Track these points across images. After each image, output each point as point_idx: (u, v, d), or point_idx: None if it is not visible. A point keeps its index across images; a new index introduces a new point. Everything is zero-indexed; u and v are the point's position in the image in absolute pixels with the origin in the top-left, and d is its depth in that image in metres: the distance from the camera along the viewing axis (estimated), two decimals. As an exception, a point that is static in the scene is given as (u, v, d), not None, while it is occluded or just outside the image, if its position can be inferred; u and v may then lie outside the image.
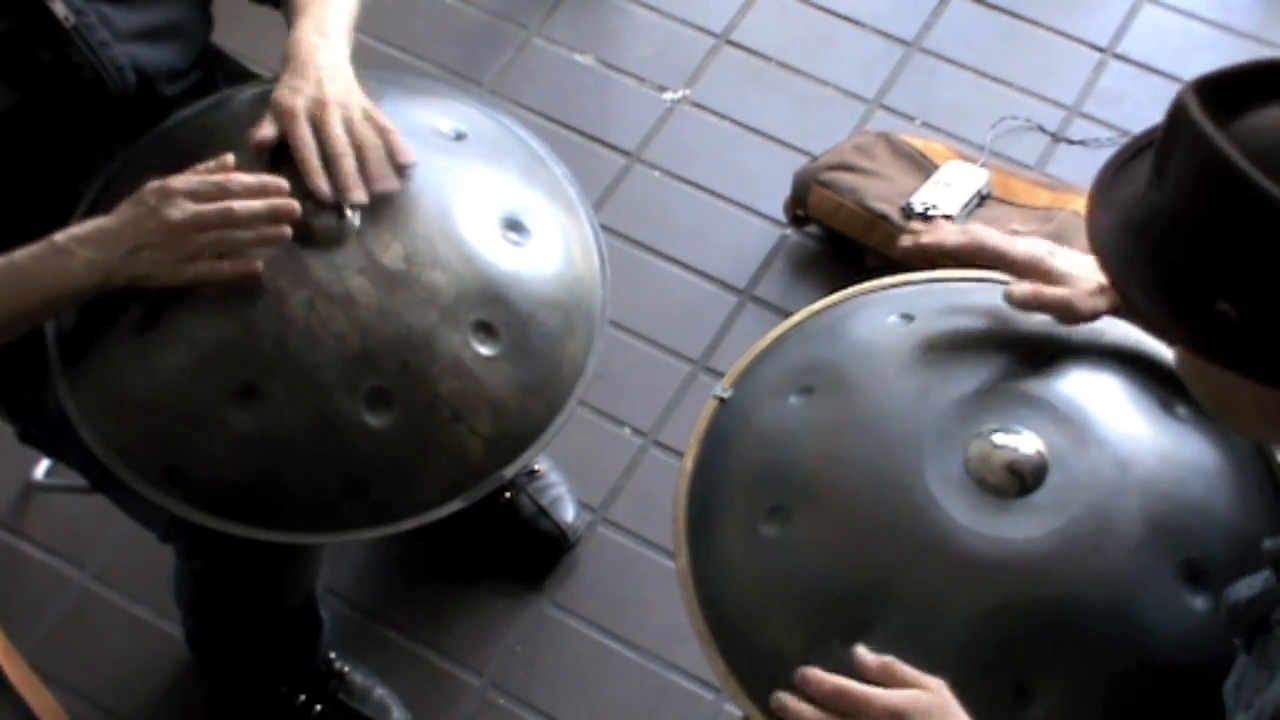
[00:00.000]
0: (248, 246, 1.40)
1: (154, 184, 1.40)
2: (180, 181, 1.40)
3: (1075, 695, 1.20)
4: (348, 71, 1.49)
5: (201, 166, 1.42)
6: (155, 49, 1.56)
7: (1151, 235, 1.05)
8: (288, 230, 1.40)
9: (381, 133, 1.46)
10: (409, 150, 1.47)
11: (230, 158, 1.43)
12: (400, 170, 1.46)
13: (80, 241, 1.39)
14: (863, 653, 1.20)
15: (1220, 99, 1.00)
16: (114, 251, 1.38)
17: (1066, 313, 1.34)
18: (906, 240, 1.42)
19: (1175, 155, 1.02)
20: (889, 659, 1.19)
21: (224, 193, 1.39)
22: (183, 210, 1.38)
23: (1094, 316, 1.34)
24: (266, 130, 1.45)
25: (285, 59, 1.49)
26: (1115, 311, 1.34)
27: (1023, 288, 1.35)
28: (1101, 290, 1.33)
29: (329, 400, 1.40)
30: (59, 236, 1.39)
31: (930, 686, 1.17)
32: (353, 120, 1.45)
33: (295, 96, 1.45)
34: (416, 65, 2.62)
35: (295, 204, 1.40)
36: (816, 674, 1.19)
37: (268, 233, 1.39)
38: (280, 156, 1.45)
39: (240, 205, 1.39)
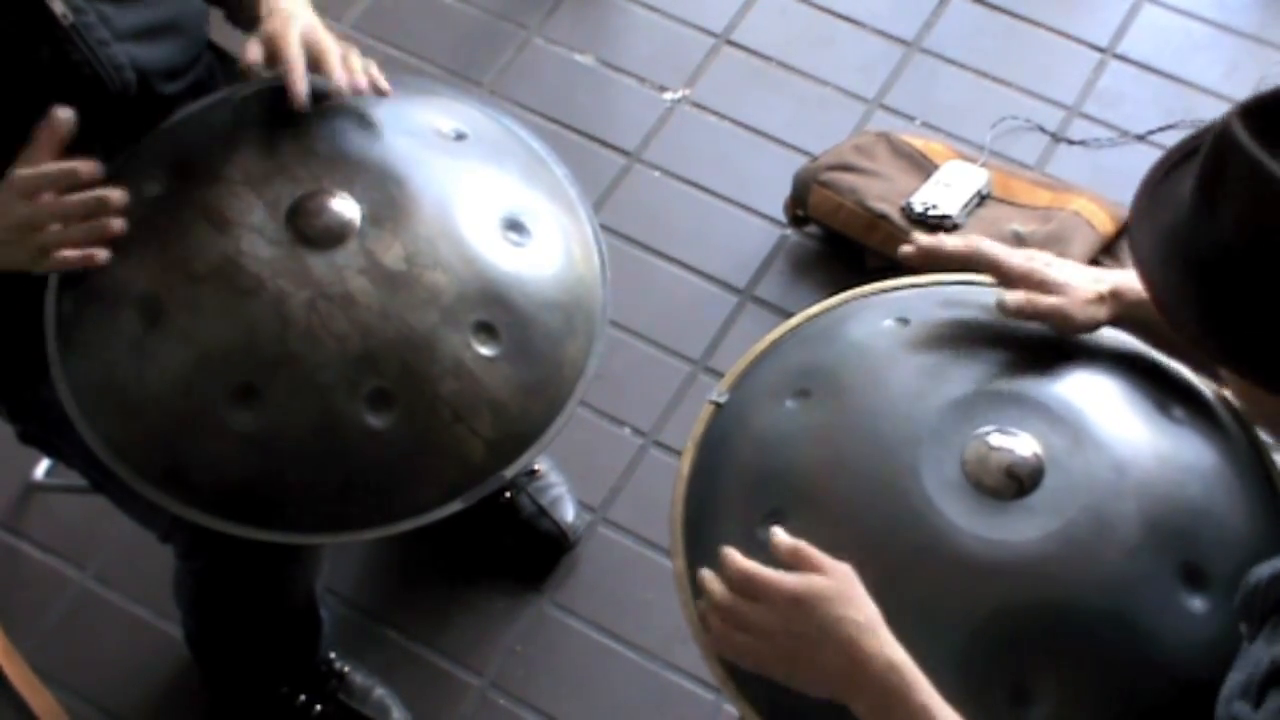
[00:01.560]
0: (83, 242, 1.43)
1: (7, 176, 1.43)
2: (19, 178, 1.42)
3: (1074, 697, 1.20)
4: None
5: (39, 136, 1.43)
6: (154, 47, 1.56)
7: (1209, 270, 1.05)
8: (118, 224, 1.44)
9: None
10: (384, 81, 1.55)
11: (62, 114, 1.43)
12: (380, 94, 1.54)
13: None
14: (777, 533, 1.22)
15: (1266, 123, 1.00)
16: None
17: (1062, 322, 1.34)
18: (907, 249, 1.42)
19: (1228, 186, 1.02)
20: (799, 543, 1.20)
21: (50, 185, 1.42)
22: (16, 213, 1.41)
23: (1091, 327, 1.34)
24: (254, 52, 1.50)
25: (264, 16, 1.54)
26: (1114, 322, 1.34)
27: (1015, 296, 1.35)
28: (1100, 300, 1.33)
29: (330, 401, 1.40)
30: None
31: (833, 571, 1.18)
32: (337, 40, 1.53)
33: (280, 23, 1.51)
34: (416, 65, 2.62)
35: (113, 193, 1.44)
36: (733, 555, 1.21)
37: (96, 227, 1.44)
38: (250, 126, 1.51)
39: (65, 202, 1.42)
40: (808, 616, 1.16)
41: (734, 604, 1.19)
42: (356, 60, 1.54)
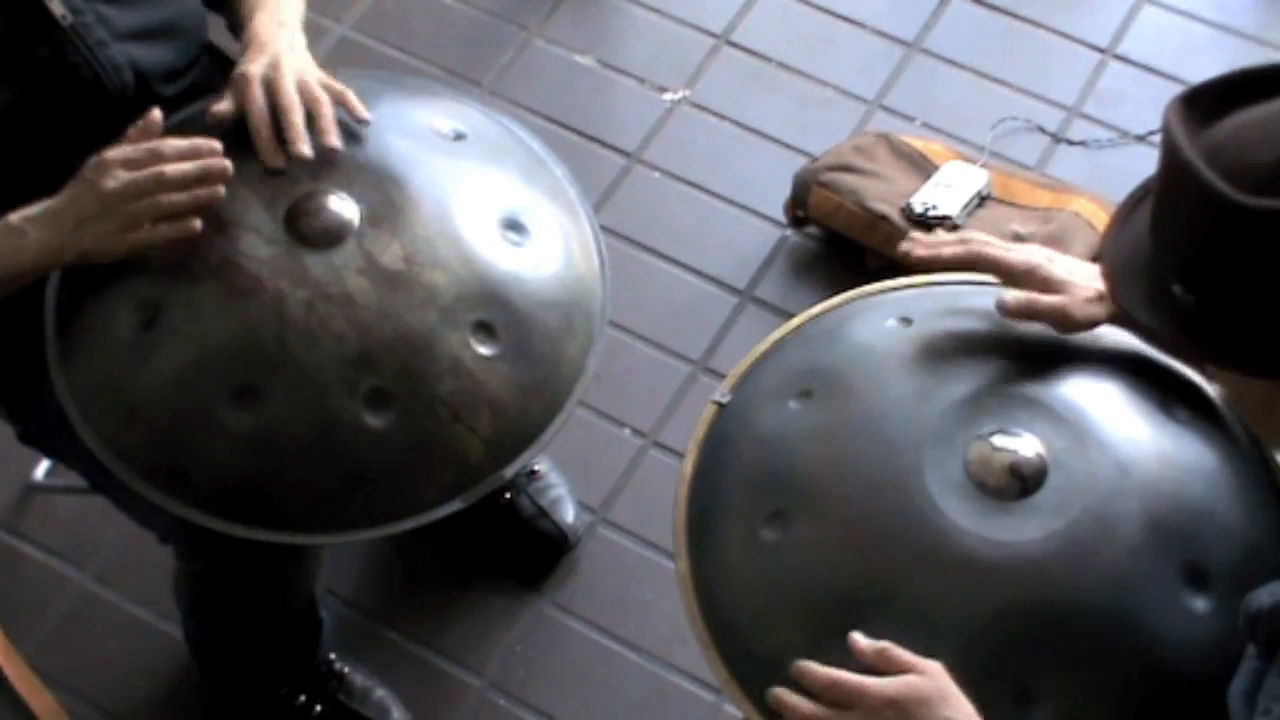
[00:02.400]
0: (183, 209, 1.42)
1: (93, 159, 1.43)
2: (115, 152, 1.43)
3: (1077, 698, 1.20)
4: (304, 50, 1.54)
5: (134, 130, 1.45)
6: (153, 48, 1.56)
7: (1143, 243, 1.12)
8: (220, 190, 1.43)
9: (337, 95, 1.51)
10: (362, 109, 1.52)
11: (157, 113, 1.46)
12: (361, 123, 1.51)
13: (32, 221, 1.42)
14: (858, 639, 1.20)
15: (1199, 108, 1.07)
16: (61, 228, 1.41)
17: (1062, 320, 1.34)
18: (905, 245, 1.42)
19: (1160, 163, 1.09)
20: (884, 644, 1.19)
21: (156, 158, 1.42)
22: (117, 179, 1.40)
23: (1091, 325, 1.34)
24: (224, 105, 1.50)
25: (245, 46, 1.54)
26: (1114, 320, 1.34)
27: (1015, 296, 1.35)
28: (1100, 298, 1.33)
29: (328, 401, 1.40)
30: (13, 217, 1.42)
31: (927, 670, 1.17)
32: (307, 83, 1.50)
33: (251, 65, 1.50)
34: (416, 66, 2.62)
35: (226, 163, 1.44)
36: (812, 667, 1.20)
37: (200, 194, 1.43)
38: (244, 133, 1.49)
39: (171, 168, 1.42)
40: (903, 717, 1.15)
41: (825, 716, 1.18)
42: (326, 108, 1.49)
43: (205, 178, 1.43)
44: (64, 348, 1.47)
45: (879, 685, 1.16)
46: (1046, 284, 1.35)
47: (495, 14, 2.70)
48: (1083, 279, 1.35)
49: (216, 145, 1.44)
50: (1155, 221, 1.10)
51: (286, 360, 1.40)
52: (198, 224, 1.42)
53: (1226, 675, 1.16)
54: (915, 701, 1.15)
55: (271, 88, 1.48)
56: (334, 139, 1.48)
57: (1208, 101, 1.06)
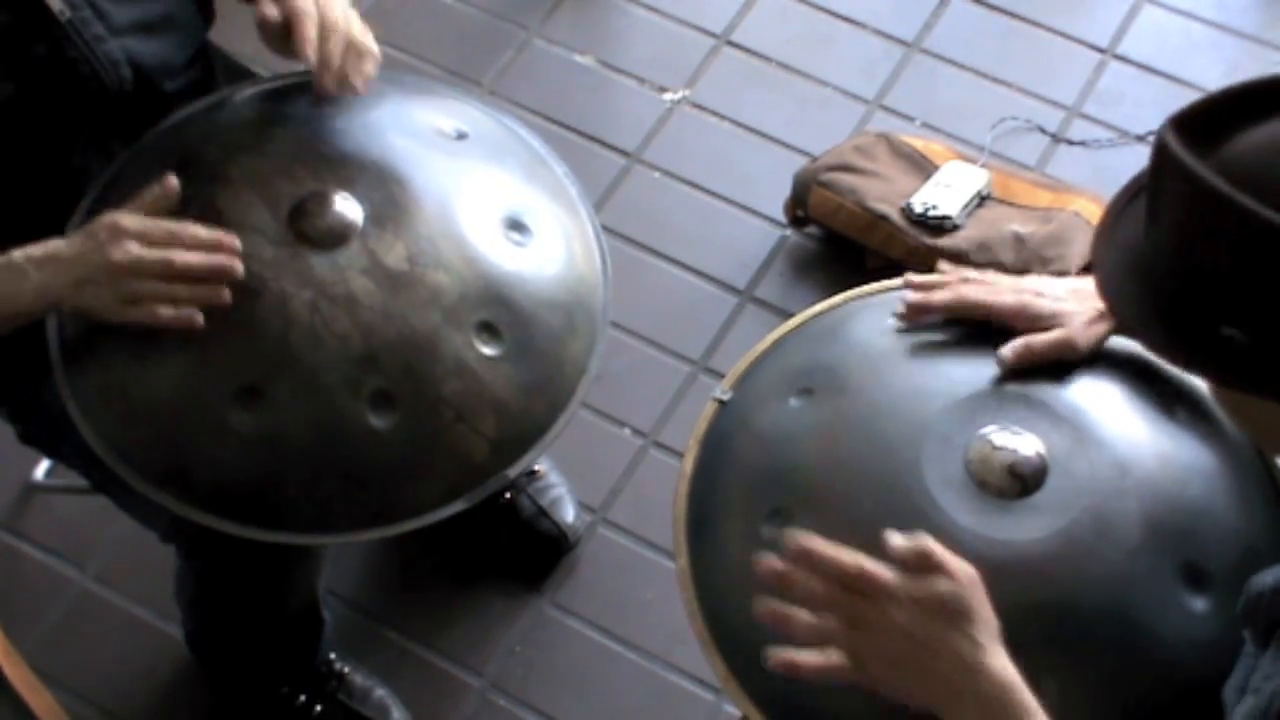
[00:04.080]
0: (184, 301, 1.40)
1: (109, 217, 1.41)
2: (133, 221, 1.40)
3: (1075, 697, 1.20)
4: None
5: (149, 195, 1.43)
6: (151, 43, 1.56)
7: (1155, 275, 1.06)
8: (226, 294, 1.40)
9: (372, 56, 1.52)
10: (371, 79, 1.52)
11: (174, 180, 1.44)
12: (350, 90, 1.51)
13: (36, 264, 1.40)
14: (894, 535, 1.12)
15: (1198, 131, 1.02)
16: (62, 280, 1.40)
17: (1068, 353, 1.33)
18: (900, 311, 1.40)
19: (1165, 193, 1.04)
20: (927, 544, 1.11)
21: (172, 240, 1.40)
22: (125, 253, 1.38)
23: (1098, 346, 1.34)
24: (271, 9, 1.48)
25: None
26: (1120, 332, 1.34)
27: (1012, 348, 1.32)
28: (1101, 317, 1.33)
29: (332, 401, 1.40)
30: (17, 255, 1.40)
31: (962, 576, 1.10)
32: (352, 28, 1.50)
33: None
34: (417, 66, 2.62)
35: (238, 265, 1.40)
36: (837, 548, 1.12)
37: (202, 293, 1.40)
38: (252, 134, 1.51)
39: (180, 258, 1.39)
40: (931, 624, 1.10)
41: (841, 599, 1.12)
42: (337, 43, 1.48)
43: (213, 275, 1.40)
44: (66, 348, 1.47)
45: (912, 584, 1.10)
46: (1039, 320, 1.34)
47: (495, 14, 2.70)
48: (1077, 303, 1.34)
49: (236, 243, 1.41)
50: (1183, 264, 1.03)
51: (290, 361, 1.40)
52: (199, 319, 1.39)
53: (1224, 675, 1.16)
54: (951, 611, 1.09)
55: (323, 9, 1.48)
56: (358, 83, 1.50)
57: (1205, 126, 1.02)
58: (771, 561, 1.15)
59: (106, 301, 1.40)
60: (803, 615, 1.13)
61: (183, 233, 1.41)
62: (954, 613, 1.10)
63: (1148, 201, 1.07)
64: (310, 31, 1.47)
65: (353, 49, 1.50)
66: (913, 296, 1.39)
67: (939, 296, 1.38)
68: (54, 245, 1.41)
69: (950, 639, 1.09)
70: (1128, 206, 1.15)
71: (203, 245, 1.41)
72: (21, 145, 1.50)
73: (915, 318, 1.39)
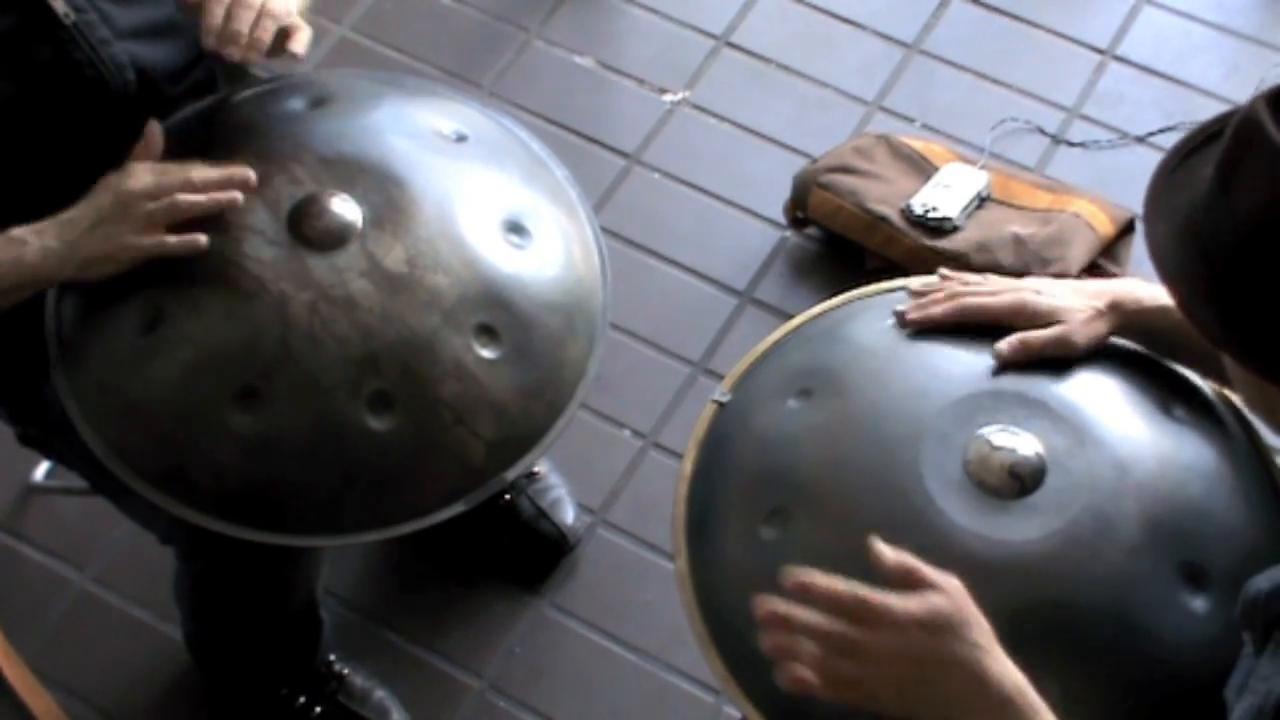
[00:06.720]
0: (200, 212, 1.43)
1: (111, 173, 1.44)
2: (142, 162, 1.45)
3: (1075, 696, 1.20)
4: None
5: (139, 147, 1.47)
6: (155, 46, 1.56)
7: (1221, 250, 1.04)
8: (239, 196, 1.44)
9: (291, 25, 1.48)
10: (302, 48, 1.49)
11: (156, 126, 1.48)
12: (295, 58, 1.49)
13: (36, 231, 1.42)
14: (881, 547, 1.12)
15: None
16: (70, 234, 1.42)
17: (1066, 349, 1.33)
18: (894, 319, 1.40)
19: (1247, 171, 1.02)
20: (909, 560, 1.12)
21: (183, 169, 1.45)
22: (141, 181, 1.42)
23: (1096, 345, 1.34)
24: None
25: None
26: (1116, 334, 1.34)
27: (1008, 342, 1.33)
28: (1099, 315, 1.33)
29: (331, 403, 1.40)
30: (15, 230, 1.42)
31: (948, 589, 1.10)
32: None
33: None
34: (416, 67, 2.62)
35: (251, 175, 1.44)
36: (829, 581, 1.11)
37: (219, 196, 1.44)
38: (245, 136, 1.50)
39: (199, 174, 1.44)
40: (931, 640, 1.09)
41: (843, 631, 1.11)
42: (244, 13, 1.43)
43: (227, 183, 1.44)
44: (66, 349, 1.48)
45: (905, 605, 1.10)
46: (1037, 318, 1.34)
47: (495, 15, 2.70)
48: (1075, 301, 1.34)
49: (250, 174, 1.45)
50: (1255, 237, 1.01)
51: (289, 362, 1.41)
52: (203, 240, 1.42)
53: (1224, 675, 1.16)
54: (942, 624, 1.09)
55: None
56: (257, 54, 1.44)
57: None
58: (773, 604, 1.14)
59: (117, 238, 1.41)
60: (808, 646, 1.12)
61: (193, 170, 1.44)
62: (952, 624, 1.10)
63: (1220, 172, 1.05)
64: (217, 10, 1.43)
65: (265, 18, 1.45)
66: (913, 314, 1.38)
67: (938, 311, 1.38)
68: (60, 214, 1.43)
69: (956, 651, 1.10)
70: (1177, 170, 1.12)
71: (215, 171, 1.45)
72: (24, 146, 1.51)
73: (921, 329, 1.38)
